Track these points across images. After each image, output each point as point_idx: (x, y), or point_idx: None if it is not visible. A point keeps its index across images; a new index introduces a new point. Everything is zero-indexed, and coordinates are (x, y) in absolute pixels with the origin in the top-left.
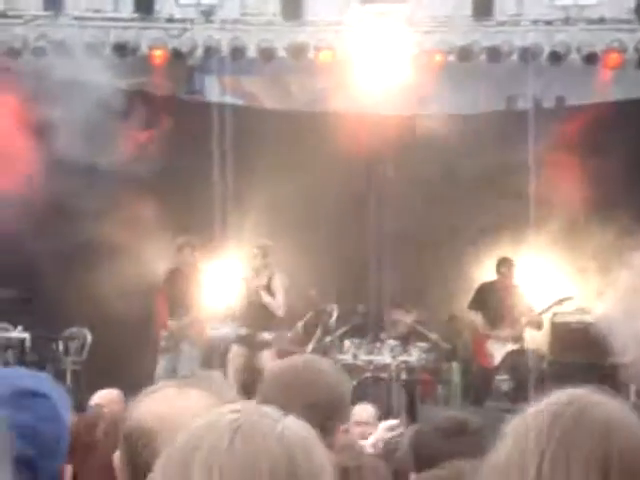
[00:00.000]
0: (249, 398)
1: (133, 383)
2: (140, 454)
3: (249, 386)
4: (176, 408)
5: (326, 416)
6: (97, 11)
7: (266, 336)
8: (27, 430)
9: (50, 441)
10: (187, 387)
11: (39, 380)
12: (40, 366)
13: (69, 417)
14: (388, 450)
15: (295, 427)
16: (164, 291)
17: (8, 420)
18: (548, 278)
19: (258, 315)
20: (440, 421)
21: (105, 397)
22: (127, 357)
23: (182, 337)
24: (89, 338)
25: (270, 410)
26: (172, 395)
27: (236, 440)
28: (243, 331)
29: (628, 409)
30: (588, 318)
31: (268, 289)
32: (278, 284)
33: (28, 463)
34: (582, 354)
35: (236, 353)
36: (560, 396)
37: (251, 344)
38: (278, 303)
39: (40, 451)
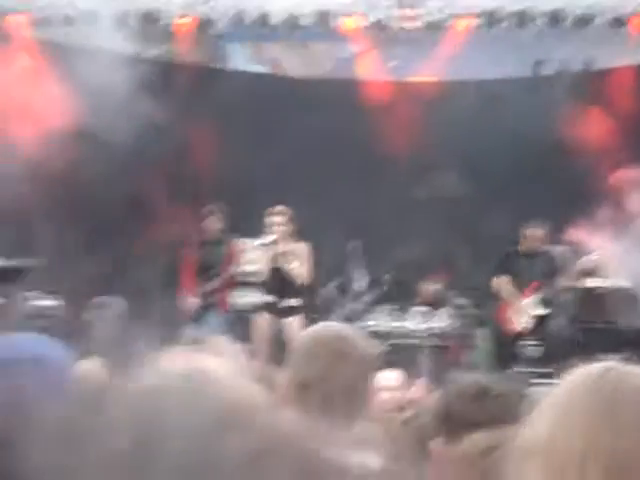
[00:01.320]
0: (277, 367)
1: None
2: None
3: (276, 355)
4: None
5: (356, 381)
6: None
7: (292, 302)
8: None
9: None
10: (192, 350)
11: (46, 346)
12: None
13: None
14: (412, 416)
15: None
16: (189, 259)
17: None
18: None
19: (283, 281)
20: (463, 386)
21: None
22: (154, 325)
23: (207, 305)
24: (119, 307)
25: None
26: (191, 357)
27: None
28: (268, 298)
29: None
30: (616, 282)
31: (292, 255)
32: (303, 251)
33: None
34: (610, 319)
35: (261, 321)
36: (592, 370)
37: (277, 311)
38: (301, 270)
39: None
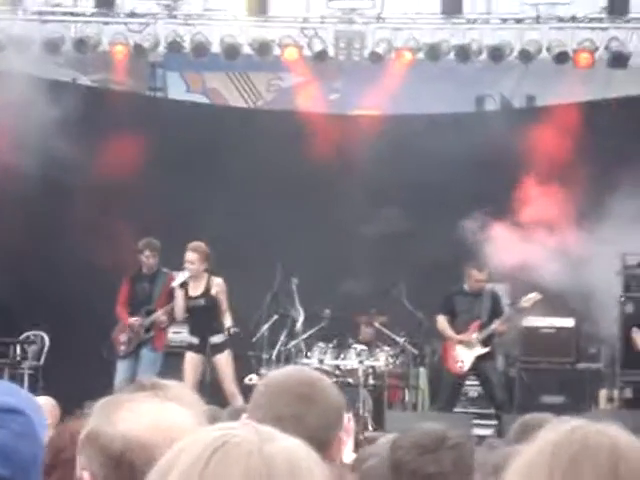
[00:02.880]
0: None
1: (91, 389)
2: (138, 471)
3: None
4: (167, 421)
5: (325, 428)
6: (57, 5)
7: (216, 339)
8: (2, 449)
9: (26, 460)
10: (155, 398)
11: (15, 395)
12: None
13: (45, 434)
14: (358, 459)
15: (285, 446)
16: (124, 294)
17: None
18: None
19: (205, 321)
20: (418, 435)
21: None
22: (86, 363)
23: (141, 341)
24: (47, 342)
25: (267, 429)
26: (157, 408)
27: (213, 460)
28: (193, 339)
29: (628, 433)
30: (558, 322)
31: (207, 294)
32: (220, 288)
33: None
34: (552, 358)
35: (190, 360)
36: (559, 428)
37: (203, 351)
38: (222, 308)
39: (15, 471)
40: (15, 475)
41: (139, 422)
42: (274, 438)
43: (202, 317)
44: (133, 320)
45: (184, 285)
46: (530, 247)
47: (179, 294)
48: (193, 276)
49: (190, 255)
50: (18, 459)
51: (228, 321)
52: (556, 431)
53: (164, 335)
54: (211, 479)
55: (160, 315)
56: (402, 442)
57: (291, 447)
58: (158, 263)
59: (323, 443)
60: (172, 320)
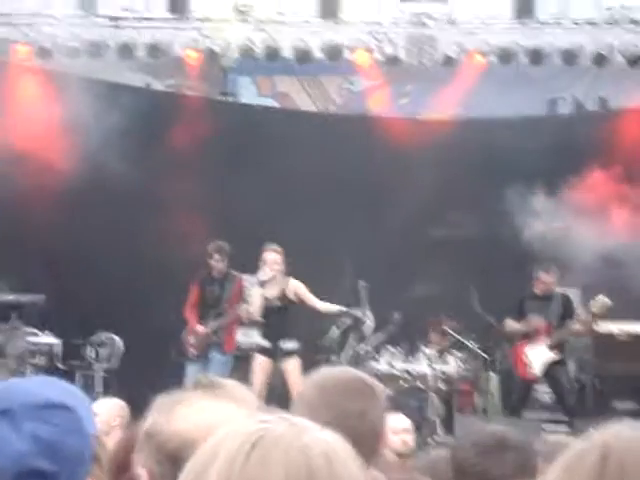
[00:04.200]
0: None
1: (162, 391)
2: None
3: (274, 400)
4: (221, 419)
5: (383, 421)
6: (130, 11)
7: (289, 345)
8: (50, 444)
9: (73, 456)
10: (212, 397)
11: (64, 391)
12: (69, 373)
13: (94, 431)
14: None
15: (324, 439)
16: (194, 297)
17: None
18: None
19: (279, 324)
20: (479, 436)
21: (105, 407)
22: (157, 365)
23: (211, 343)
24: (120, 344)
25: (301, 421)
26: (211, 406)
27: (254, 451)
28: (265, 342)
29: None
30: (632, 327)
31: (283, 296)
32: (299, 289)
33: (49, 478)
34: (626, 365)
35: (260, 363)
36: (607, 432)
37: (274, 354)
38: (315, 300)
39: (63, 466)
40: (61, 471)
41: (193, 420)
42: (308, 429)
43: (276, 319)
44: (199, 328)
45: (263, 285)
46: (608, 249)
47: (257, 293)
48: (275, 276)
49: (274, 256)
50: (64, 455)
51: (334, 307)
52: (599, 437)
53: (234, 338)
54: (252, 474)
55: (230, 317)
56: (463, 442)
57: (326, 438)
58: (227, 266)
59: (380, 435)
60: (242, 322)
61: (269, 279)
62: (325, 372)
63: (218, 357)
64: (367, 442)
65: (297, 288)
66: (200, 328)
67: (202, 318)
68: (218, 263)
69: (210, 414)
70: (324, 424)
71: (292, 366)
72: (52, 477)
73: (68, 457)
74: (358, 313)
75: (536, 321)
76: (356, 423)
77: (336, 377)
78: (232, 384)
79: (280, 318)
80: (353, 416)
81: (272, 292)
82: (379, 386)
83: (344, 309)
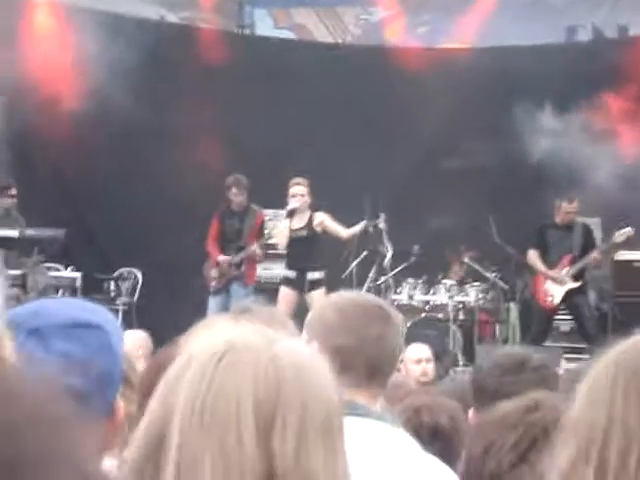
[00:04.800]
0: None
1: (185, 325)
2: None
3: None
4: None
5: (401, 345)
6: None
7: (315, 275)
8: (81, 363)
9: (104, 375)
10: (242, 320)
11: (94, 311)
12: None
13: (123, 350)
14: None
15: (295, 350)
16: (215, 230)
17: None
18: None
19: (303, 255)
20: (500, 357)
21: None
22: (178, 298)
23: (232, 277)
24: (140, 279)
25: (275, 333)
26: (229, 328)
27: (224, 359)
28: (290, 273)
29: None
30: None
31: (309, 227)
32: (324, 219)
33: (80, 397)
34: None
35: (284, 295)
36: (621, 344)
37: (300, 285)
38: (339, 228)
39: (94, 385)
40: (92, 390)
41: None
42: (281, 340)
43: (303, 250)
44: (222, 258)
45: (292, 214)
46: (626, 178)
47: (285, 225)
48: (300, 209)
49: (300, 188)
50: (95, 374)
51: (354, 228)
52: (619, 346)
53: (255, 271)
54: (221, 380)
55: (255, 249)
56: (484, 363)
57: (296, 347)
58: (247, 200)
59: (397, 361)
60: (265, 254)
61: (297, 209)
62: (344, 296)
63: (239, 290)
64: (384, 367)
65: (323, 219)
66: (222, 258)
67: (223, 252)
68: (237, 197)
69: (227, 334)
70: (343, 347)
71: (319, 297)
72: (84, 396)
73: (99, 376)
74: (383, 226)
75: (555, 273)
76: (374, 348)
77: (355, 301)
78: (263, 309)
79: (306, 249)
80: (372, 341)
81: (298, 223)
82: (397, 312)
83: (366, 224)
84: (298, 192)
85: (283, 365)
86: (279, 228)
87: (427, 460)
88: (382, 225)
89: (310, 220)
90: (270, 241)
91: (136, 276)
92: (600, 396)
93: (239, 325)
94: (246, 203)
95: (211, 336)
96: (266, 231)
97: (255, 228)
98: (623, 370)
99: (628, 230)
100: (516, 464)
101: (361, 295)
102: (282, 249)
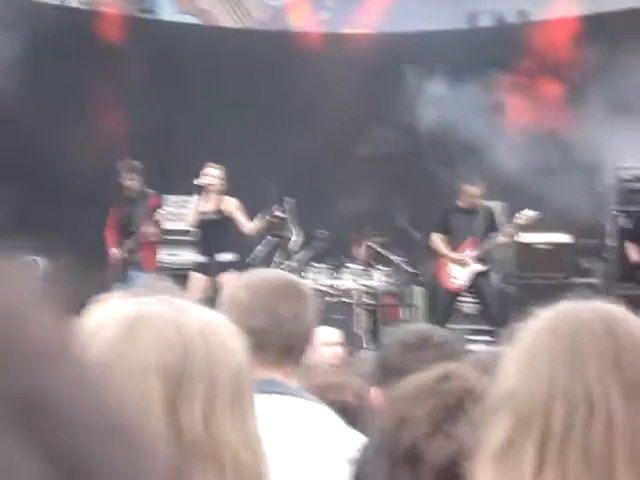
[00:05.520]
0: None
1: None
2: None
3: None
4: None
5: (315, 322)
6: None
7: (226, 257)
8: None
9: None
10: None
11: None
12: None
13: None
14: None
15: (202, 318)
16: (113, 217)
17: None
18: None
19: (214, 238)
20: (403, 335)
21: None
22: (83, 286)
23: (129, 263)
24: (44, 266)
25: (183, 302)
26: (121, 302)
27: (130, 327)
28: (200, 258)
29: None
30: (553, 237)
31: (219, 210)
32: (235, 206)
33: None
34: (547, 274)
35: (196, 281)
36: (550, 312)
37: (210, 270)
38: (243, 221)
39: None
40: None
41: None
42: (189, 309)
43: (212, 232)
44: (112, 250)
45: (200, 191)
46: (529, 158)
47: (194, 201)
48: (210, 192)
49: (214, 171)
50: None
51: (255, 223)
52: (548, 314)
53: (154, 255)
54: (127, 349)
55: (145, 229)
56: (388, 341)
57: (206, 318)
58: (142, 184)
59: (312, 336)
60: (159, 233)
61: (207, 186)
62: (256, 275)
63: (139, 276)
64: (301, 343)
65: (232, 206)
66: (113, 250)
67: (121, 238)
68: (129, 181)
69: (120, 309)
70: (257, 328)
71: (229, 279)
72: None
73: None
74: (282, 215)
75: (456, 256)
76: (291, 326)
77: (268, 280)
78: (167, 287)
79: (216, 232)
80: (288, 319)
81: (209, 206)
82: (309, 288)
83: (264, 217)
84: (210, 173)
85: (190, 332)
86: (188, 210)
87: (352, 434)
88: (285, 210)
89: (220, 204)
90: (178, 226)
91: (39, 264)
92: (538, 367)
93: (143, 297)
94: (140, 188)
95: (117, 307)
96: (163, 212)
97: (149, 211)
98: (561, 339)
99: (527, 211)
100: (431, 434)
101: (273, 273)
102: (189, 226)
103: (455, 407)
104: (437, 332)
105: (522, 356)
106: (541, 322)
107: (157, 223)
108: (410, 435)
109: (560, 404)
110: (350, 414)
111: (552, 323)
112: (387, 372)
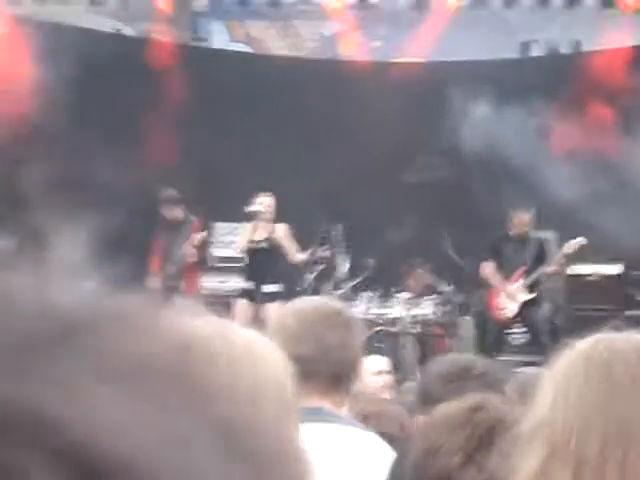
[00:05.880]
0: None
1: None
2: None
3: None
4: None
5: (361, 350)
6: None
7: (272, 288)
8: None
9: None
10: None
11: None
12: None
13: None
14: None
15: (244, 335)
16: (157, 243)
17: None
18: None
19: (262, 267)
20: (445, 365)
21: None
22: None
23: (171, 289)
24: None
25: (223, 321)
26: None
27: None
28: (247, 285)
29: None
30: (604, 269)
31: (270, 239)
32: (284, 232)
33: None
34: (598, 305)
35: (241, 307)
36: (584, 342)
37: (256, 297)
38: (292, 250)
39: None
40: None
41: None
42: (235, 329)
43: (260, 261)
44: (154, 279)
45: (251, 217)
46: (581, 186)
47: (244, 233)
48: (260, 220)
49: (265, 199)
50: None
51: (303, 255)
52: (583, 345)
53: (196, 279)
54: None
55: (186, 252)
56: (430, 371)
57: (250, 336)
58: (184, 212)
59: (360, 364)
60: (202, 258)
61: (258, 213)
62: (304, 302)
63: (179, 302)
64: (348, 372)
65: (280, 230)
66: (153, 278)
67: (165, 264)
68: (169, 212)
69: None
70: (305, 355)
71: (274, 309)
72: None
73: None
74: (328, 254)
75: (509, 286)
76: (338, 354)
77: (315, 308)
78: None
79: (264, 260)
80: (335, 347)
81: (258, 234)
82: (356, 316)
83: (313, 254)
84: (261, 201)
85: (235, 347)
86: (239, 236)
87: None
88: (337, 238)
89: (271, 232)
90: (226, 253)
91: None
92: (573, 396)
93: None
94: (182, 216)
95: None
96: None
97: (191, 236)
98: (595, 367)
99: (576, 240)
100: (463, 465)
101: (321, 301)
102: (239, 253)
103: (487, 437)
104: (479, 363)
105: (557, 385)
106: (576, 352)
107: (200, 247)
108: (442, 465)
109: (595, 433)
110: (392, 443)
111: (587, 353)
112: (428, 402)
